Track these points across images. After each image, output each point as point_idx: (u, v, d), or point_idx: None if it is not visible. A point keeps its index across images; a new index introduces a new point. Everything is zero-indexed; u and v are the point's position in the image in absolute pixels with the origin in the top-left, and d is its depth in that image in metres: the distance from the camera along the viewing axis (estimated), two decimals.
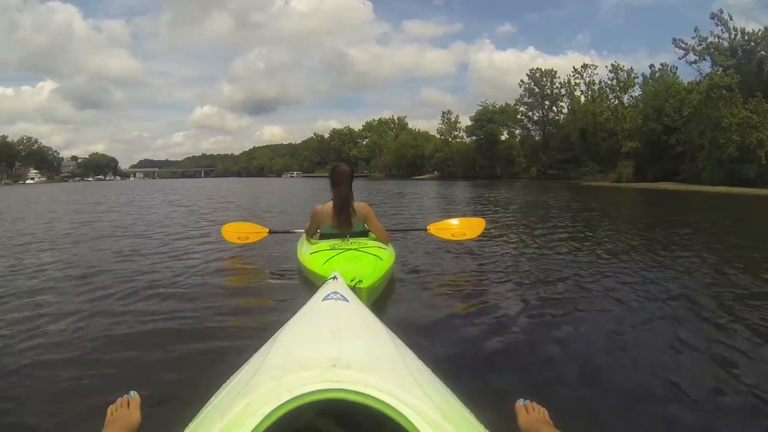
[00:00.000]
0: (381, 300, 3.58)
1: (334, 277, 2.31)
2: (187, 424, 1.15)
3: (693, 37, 42.69)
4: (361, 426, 1.18)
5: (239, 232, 5.91)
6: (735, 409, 2.22)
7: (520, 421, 1.42)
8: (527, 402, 1.46)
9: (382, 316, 1.89)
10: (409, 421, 0.96)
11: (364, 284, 3.10)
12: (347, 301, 1.80)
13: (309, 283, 3.97)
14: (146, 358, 2.73)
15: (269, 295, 4.25)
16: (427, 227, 5.67)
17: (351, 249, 3.96)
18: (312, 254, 4.02)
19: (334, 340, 1.33)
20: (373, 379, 1.05)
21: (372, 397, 1.00)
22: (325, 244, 4.15)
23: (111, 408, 1.48)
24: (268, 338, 1.51)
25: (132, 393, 1.51)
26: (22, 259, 6.06)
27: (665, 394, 2.34)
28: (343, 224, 4.26)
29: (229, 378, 1.35)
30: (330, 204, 4.28)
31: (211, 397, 1.29)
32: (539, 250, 6.57)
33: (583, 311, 3.69)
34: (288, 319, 1.67)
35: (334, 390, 1.01)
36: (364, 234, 4.43)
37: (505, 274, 4.93)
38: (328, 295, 1.84)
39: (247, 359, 1.41)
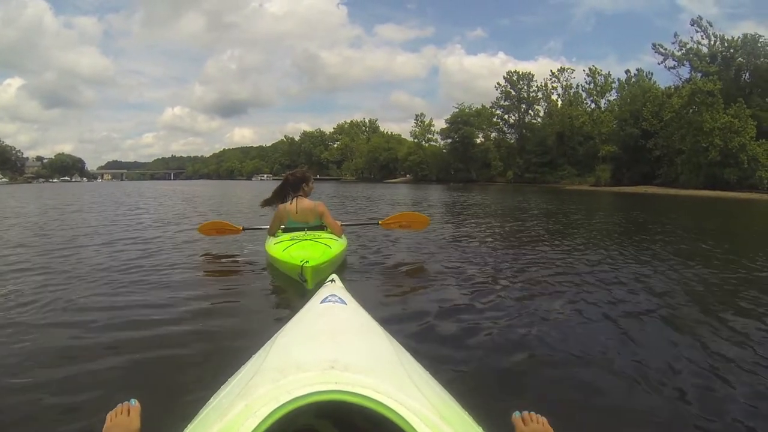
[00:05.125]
0: (377, 301, 3.84)
1: (332, 280, 2.29)
2: (186, 426, 1.16)
3: (673, 43, 42.92)
4: (359, 428, 1.22)
5: (215, 228, 6.47)
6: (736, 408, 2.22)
7: None
8: (524, 413, 1.37)
9: (378, 318, 1.85)
10: (407, 422, 0.96)
11: (310, 264, 4.00)
12: (345, 303, 1.80)
13: (276, 270, 4.86)
14: (142, 362, 2.68)
15: (260, 294, 4.34)
16: (379, 222, 6.37)
17: (306, 239, 4.81)
18: (275, 244, 4.88)
19: (332, 342, 1.34)
20: (371, 381, 1.06)
21: (370, 399, 1.00)
22: (287, 236, 4.98)
23: (110, 414, 1.41)
24: (266, 340, 1.54)
25: (133, 401, 1.45)
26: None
27: (662, 394, 2.34)
28: (304, 218, 5.09)
29: (227, 380, 1.37)
30: (292, 203, 5.10)
31: (209, 398, 1.30)
32: (524, 250, 6.76)
33: (574, 308, 3.75)
34: (284, 318, 1.78)
35: (332, 392, 1.02)
36: (321, 228, 5.15)
37: (491, 272, 5.13)
38: (327, 297, 1.83)
39: (245, 361, 1.44)
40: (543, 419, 1.36)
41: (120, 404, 1.45)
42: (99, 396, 2.21)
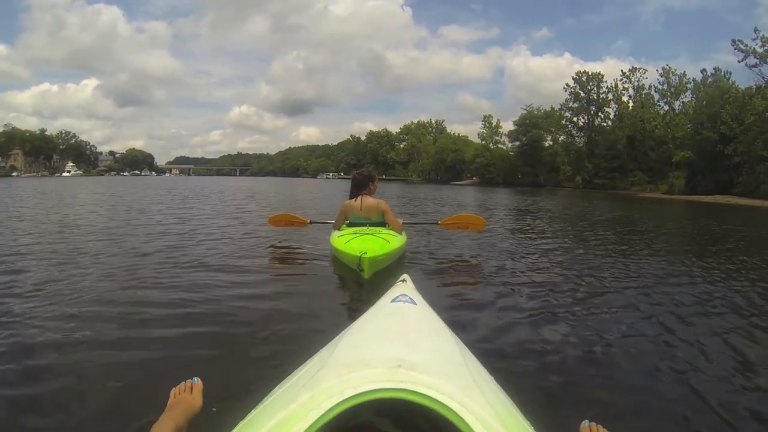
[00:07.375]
0: (445, 303, 3.86)
1: (404, 280, 2.31)
2: (249, 412, 1.21)
3: (753, 39, 40.06)
4: (419, 428, 1.22)
5: (284, 220, 7.05)
6: None
7: None
8: (593, 424, 1.35)
9: (447, 319, 1.89)
10: (468, 426, 0.95)
11: (368, 255, 4.32)
12: (415, 304, 1.83)
13: (339, 264, 5.17)
14: (209, 351, 2.79)
15: (324, 289, 4.48)
16: (438, 221, 6.95)
17: (368, 234, 5.15)
18: (339, 237, 5.26)
19: (401, 341, 1.35)
20: (437, 382, 1.06)
21: (434, 400, 1.00)
22: (350, 230, 5.40)
23: (174, 390, 1.51)
24: (330, 335, 1.60)
25: (195, 379, 1.54)
26: (73, 249, 6.28)
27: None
28: (367, 215, 5.55)
29: (293, 371, 1.41)
30: (357, 200, 5.57)
31: (274, 388, 1.34)
32: (596, 261, 6.58)
33: (648, 325, 3.57)
34: (348, 314, 1.71)
35: (397, 390, 1.02)
36: (383, 224, 5.54)
37: (559, 282, 5.04)
38: (397, 297, 1.87)
39: (310, 355, 1.47)
40: None
41: (183, 382, 1.54)
42: (163, 381, 2.04)
